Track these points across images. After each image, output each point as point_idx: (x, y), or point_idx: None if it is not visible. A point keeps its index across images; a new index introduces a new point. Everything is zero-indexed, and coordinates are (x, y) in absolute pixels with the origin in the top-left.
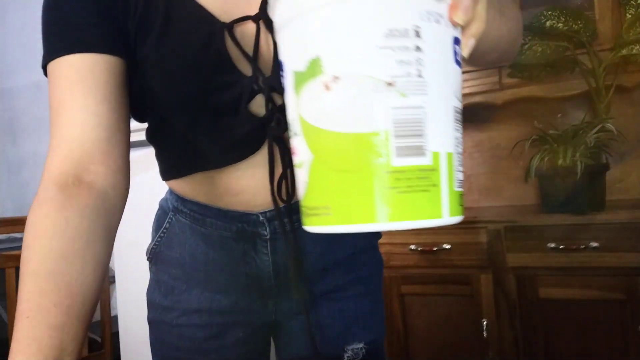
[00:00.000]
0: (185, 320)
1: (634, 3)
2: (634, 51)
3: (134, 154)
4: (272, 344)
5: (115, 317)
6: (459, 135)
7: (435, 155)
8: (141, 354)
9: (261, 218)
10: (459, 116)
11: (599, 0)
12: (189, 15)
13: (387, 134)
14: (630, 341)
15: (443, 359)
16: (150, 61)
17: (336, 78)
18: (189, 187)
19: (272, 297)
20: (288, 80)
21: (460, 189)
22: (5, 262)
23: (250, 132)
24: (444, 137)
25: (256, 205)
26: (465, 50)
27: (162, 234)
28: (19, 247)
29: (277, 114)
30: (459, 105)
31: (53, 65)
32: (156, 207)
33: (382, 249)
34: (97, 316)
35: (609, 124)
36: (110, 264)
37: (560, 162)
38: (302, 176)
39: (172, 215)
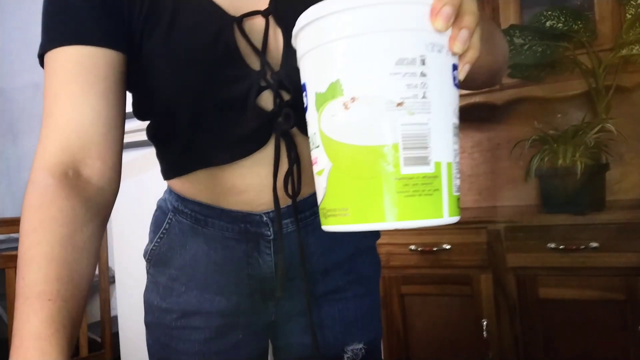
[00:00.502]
0: (184, 322)
1: (634, 3)
2: (634, 51)
3: (134, 154)
4: (270, 345)
5: (115, 317)
6: (457, 147)
7: (438, 165)
8: (141, 354)
9: (265, 218)
10: (457, 131)
11: (599, 0)
12: (198, 9)
13: (396, 147)
14: (630, 341)
15: (443, 359)
16: (157, 54)
17: (354, 99)
18: (192, 186)
19: (274, 298)
20: (310, 100)
21: (458, 194)
22: (5, 262)
23: (258, 127)
24: (444, 149)
25: (260, 205)
26: (461, 74)
27: (161, 235)
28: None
29: (285, 108)
30: (457, 122)
31: (51, 56)
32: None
33: (382, 249)
34: (97, 316)
35: (609, 124)
36: (110, 264)
37: (560, 162)
38: (322, 182)
39: (172, 216)
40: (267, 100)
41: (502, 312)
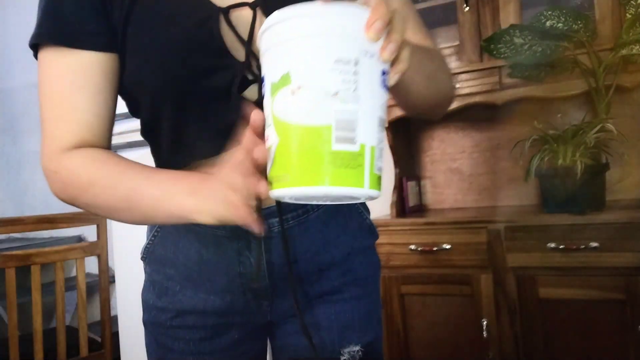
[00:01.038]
0: (180, 322)
1: (634, 3)
2: (634, 51)
3: (133, 154)
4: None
5: (115, 317)
6: (381, 136)
7: (362, 146)
8: (141, 354)
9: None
10: (382, 123)
11: (598, 0)
12: None
13: (330, 128)
14: (630, 341)
15: (443, 359)
16: (140, 43)
17: (299, 87)
18: None
19: (267, 297)
20: (267, 89)
21: (379, 173)
22: (5, 262)
23: (242, 117)
24: (369, 134)
25: None
26: (392, 81)
27: (155, 233)
28: (19, 247)
29: None
30: (383, 116)
31: (49, 53)
32: None
33: (382, 249)
34: (97, 316)
35: (609, 124)
36: (110, 264)
37: (560, 162)
38: (270, 155)
39: None
40: (252, 90)
41: (502, 312)
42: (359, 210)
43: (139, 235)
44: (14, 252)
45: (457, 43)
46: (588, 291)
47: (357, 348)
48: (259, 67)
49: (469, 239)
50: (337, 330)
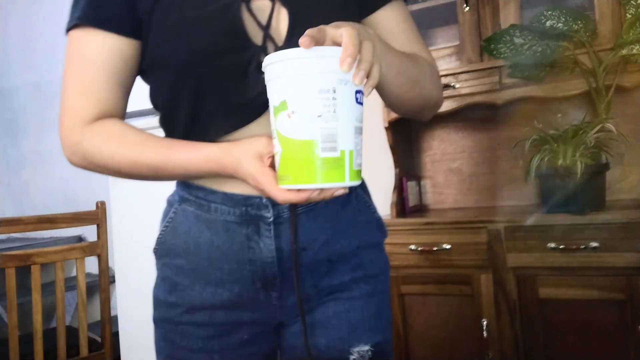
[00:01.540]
0: (189, 318)
1: (634, 3)
2: (634, 51)
3: None
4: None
5: (115, 317)
6: (358, 140)
7: (342, 152)
8: (141, 354)
9: (264, 200)
10: (359, 130)
11: (599, 0)
12: None
13: (317, 141)
14: (630, 341)
15: (443, 359)
16: (166, 24)
17: (293, 112)
18: None
19: (276, 288)
20: (271, 109)
21: (358, 168)
22: (5, 262)
23: (257, 95)
24: (347, 142)
25: None
26: (366, 94)
27: (167, 224)
28: (19, 247)
29: None
30: (360, 125)
31: (78, 34)
32: (155, 209)
33: None
34: (97, 316)
35: (609, 124)
36: (110, 264)
37: (560, 162)
38: (277, 159)
39: (178, 205)
40: None
41: (502, 312)
42: (367, 203)
43: (139, 236)
44: (14, 252)
45: (457, 43)
46: (588, 291)
47: (366, 348)
48: (274, 50)
49: (469, 239)
50: (347, 329)
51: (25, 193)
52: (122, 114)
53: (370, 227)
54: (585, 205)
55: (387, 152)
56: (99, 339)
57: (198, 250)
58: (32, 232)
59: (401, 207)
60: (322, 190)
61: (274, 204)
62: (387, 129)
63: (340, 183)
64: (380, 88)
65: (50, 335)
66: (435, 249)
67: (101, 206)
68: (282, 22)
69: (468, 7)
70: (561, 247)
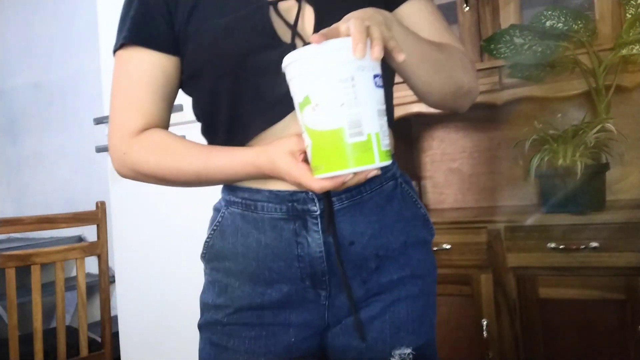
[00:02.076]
0: (236, 318)
1: (634, 3)
2: (634, 51)
3: None
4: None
5: (115, 317)
6: (382, 122)
7: (369, 135)
8: (141, 354)
9: (310, 194)
10: (382, 113)
11: (599, 0)
12: None
13: (344, 129)
14: (630, 341)
15: (443, 359)
16: (202, 31)
17: (317, 105)
18: None
19: (325, 286)
20: (296, 105)
21: (386, 148)
22: (5, 262)
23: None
24: (371, 125)
25: None
26: (399, 60)
27: (214, 227)
28: (19, 247)
29: None
30: (382, 107)
31: (124, 53)
32: (155, 212)
33: None
34: (97, 316)
35: (609, 124)
36: (110, 264)
37: (560, 162)
38: (308, 152)
39: (225, 210)
40: None
41: (502, 312)
42: (413, 199)
43: (139, 235)
44: (14, 252)
45: None
46: (588, 291)
47: (408, 351)
48: (303, 46)
49: (469, 239)
50: (390, 330)
51: (25, 193)
52: (166, 125)
53: (416, 223)
54: (585, 205)
55: None
56: (99, 339)
57: (246, 251)
58: (32, 232)
59: None
60: (355, 174)
61: (320, 197)
62: None
63: (371, 165)
64: (405, 74)
65: (50, 335)
66: (435, 249)
67: (101, 206)
68: (308, 20)
69: (468, 7)
70: (561, 247)
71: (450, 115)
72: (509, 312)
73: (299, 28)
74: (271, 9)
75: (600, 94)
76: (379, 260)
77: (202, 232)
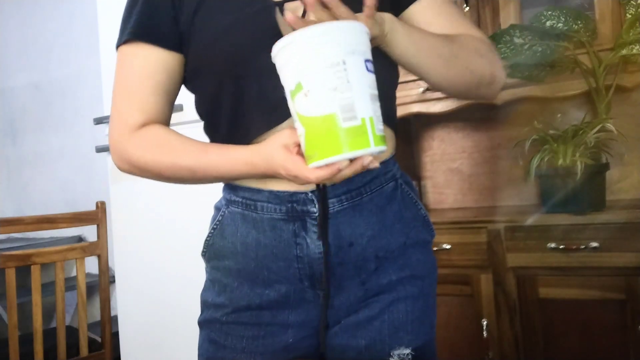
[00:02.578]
0: (235, 318)
1: (634, 3)
2: (634, 51)
3: None
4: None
5: (115, 317)
6: (375, 107)
7: (363, 119)
8: (141, 354)
9: (310, 195)
10: (375, 97)
11: (599, 0)
12: None
13: (337, 114)
14: (630, 341)
15: (443, 359)
16: (207, 29)
17: (309, 90)
18: None
19: (323, 286)
20: (287, 95)
21: (380, 133)
22: (5, 262)
23: None
24: (365, 109)
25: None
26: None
27: (215, 226)
28: (19, 247)
29: None
30: (374, 92)
31: (127, 49)
32: (155, 212)
33: None
34: (97, 316)
35: (609, 124)
36: (110, 264)
37: (560, 162)
38: (302, 141)
39: (225, 209)
40: None
41: (502, 312)
42: (413, 200)
43: (139, 236)
44: (14, 252)
45: None
46: (588, 291)
47: (407, 351)
48: None
49: (469, 239)
50: (388, 330)
51: (25, 193)
52: (166, 121)
53: (416, 224)
54: (585, 205)
55: None
56: (99, 339)
57: (245, 251)
58: (32, 232)
59: None
60: (351, 162)
61: (320, 198)
62: None
63: (366, 149)
64: (416, 70)
65: (50, 335)
66: (435, 249)
67: (101, 206)
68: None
69: (468, 7)
70: (561, 247)
71: (450, 115)
72: (509, 312)
73: None
74: (277, 9)
75: (600, 94)
76: (378, 262)
77: (202, 232)
